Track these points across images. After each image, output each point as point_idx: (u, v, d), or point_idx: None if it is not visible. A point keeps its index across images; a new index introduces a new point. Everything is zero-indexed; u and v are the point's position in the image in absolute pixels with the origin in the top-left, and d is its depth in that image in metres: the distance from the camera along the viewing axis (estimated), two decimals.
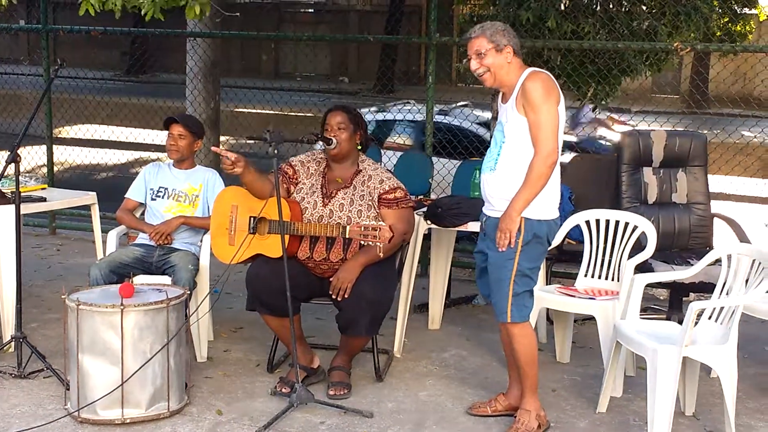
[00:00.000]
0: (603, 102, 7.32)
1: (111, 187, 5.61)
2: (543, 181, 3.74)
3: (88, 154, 10.04)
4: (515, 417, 4.00)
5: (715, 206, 5.44)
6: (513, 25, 6.12)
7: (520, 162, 3.77)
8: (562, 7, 6.46)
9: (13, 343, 4.50)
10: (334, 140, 4.34)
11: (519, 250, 3.79)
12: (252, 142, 4.04)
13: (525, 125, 3.76)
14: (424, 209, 4.98)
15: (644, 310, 5.70)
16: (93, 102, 11.13)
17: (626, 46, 6.10)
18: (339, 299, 4.19)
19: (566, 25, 6.27)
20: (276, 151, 4.08)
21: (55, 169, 7.91)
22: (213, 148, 4.33)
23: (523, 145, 3.77)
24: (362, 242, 4.14)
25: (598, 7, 6.64)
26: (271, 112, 14.26)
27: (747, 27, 16.14)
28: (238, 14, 4.76)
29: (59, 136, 12.25)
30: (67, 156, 9.54)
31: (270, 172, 4.25)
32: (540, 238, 3.82)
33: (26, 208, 4.86)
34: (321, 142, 4.40)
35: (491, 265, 3.89)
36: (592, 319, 4.61)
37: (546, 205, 3.81)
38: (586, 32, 6.26)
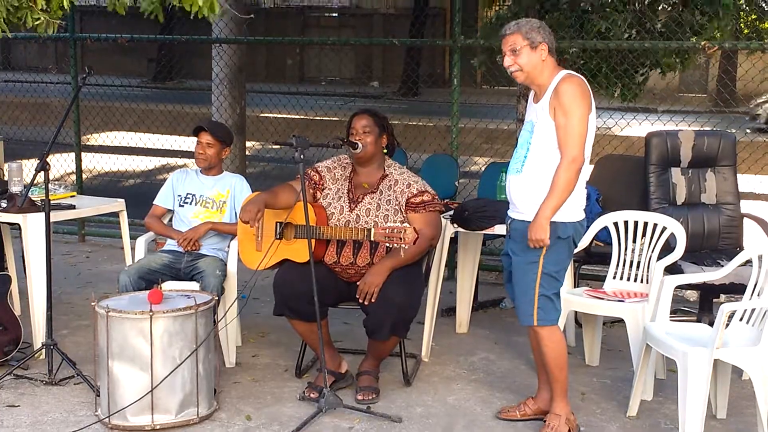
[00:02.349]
0: (630, 101, 7.27)
1: (139, 193, 5.66)
2: (570, 187, 3.71)
3: (116, 161, 10.12)
4: (545, 421, 3.97)
5: (745, 206, 5.38)
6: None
7: (547, 165, 3.75)
8: (589, 8, 6.42)
9: (44, 350, 4.54)
10: (360, 144, 4.34)
11: (543, 252, 3.76)
12: (278, 147, 4.05)
13: (554, 128, 3.74)
14: (451, 212, 4.97)
15: (674, 312, 5.64)
16: (120, 109, 11.24)
17: (653, 45, 6.05)
18: (366, 303, 4.19)
19: (600, 23, 6.22)
20: (302, 156, 4.09)
21: (84, 176, 7.98)
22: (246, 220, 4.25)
23: (551, 148, 3.75)
24: (387, 244, 4.14)
25: (627, 6, 6.60)
26: (297, 116, 14.31)
27: None
28: (252, 15, 4.77)
29: (87, 143, 12.38)
30: (95, 163, 9.63)
31: (295, 178, 4.26)
32: (565, 240, 3.80)
33: (56, 216, 4.90)
34: (347, 146, 4.40)
35: (516, 267, 3.87)
36: (621, 321, 4.58)
37: (571, 207, 3.78)
38: (613, 32, 6.22)
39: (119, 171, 11.62)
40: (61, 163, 9.17)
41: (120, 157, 10.65)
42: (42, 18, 4.17)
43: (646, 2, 6.64)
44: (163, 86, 25.59)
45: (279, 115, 15.91)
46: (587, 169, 3.82)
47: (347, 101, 14.64)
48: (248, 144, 10.13)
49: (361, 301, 4.21)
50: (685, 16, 6.33)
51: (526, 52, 3.77)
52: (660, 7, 6.53)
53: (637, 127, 7.52)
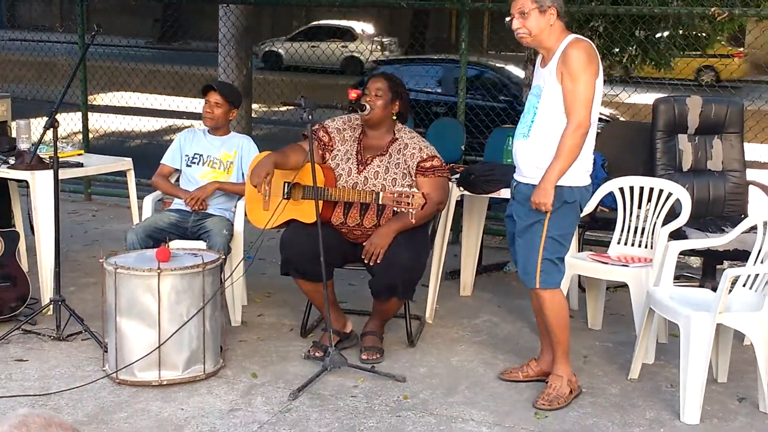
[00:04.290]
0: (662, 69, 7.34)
1: (145, 154, 5.67)
2: (576, 152, 3.72)
3: (122, 122, 10.12)
4: (547, 382, 4.02)
5: (751, 174, 5.39)
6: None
7: (554, 130, 3.75)
8: None
9: (52, 306, 4.58)
10: (368, 106, 4.34)
11: (548, 216, 3.78)
12: (284, 109, 4.06)
13: (561, 93, 3.74)
14: (457, 176, 4.98)
15: (677, 278, 5.62)
16: (126, 69, 11.20)
17: (663, 11, 6.03)
18: (372, 264, 4.22)
19: None
20: (310, 117, 4.09)
21: (90, 136, 7.99)
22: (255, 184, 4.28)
23: (558, 113, 3.75)
24: (395, 209, 4.16)
25: None
26: (304, 78, 14.27)
27: None
28: None
29: (93, 103, 12.37)
30: (102, 123, 9.63)
31: (304, 138, 4.27)
32: (571, 204, 3.81)
33: (64, 174, 4.91)
34: (356, 108, 4.40)
35: (520, 231, 3.90)
36: (624, 286, 4.61)
37: (577, 171, 3.79)
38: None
39: (125, 131, 11.62)
40: (68, 122, 9.15)
41: (126, 117, 10.63)
42: None
43: None
44: (169, 47, 25.50)
45: (286, 77, 15.88)
46: (594, 135, 3.82)
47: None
48: (254, 106, 10.11)
49: (366, 262, 4.24)
50: None
51: (534, 16, 3.75)
52: None
53: (644, 94, 7.49)
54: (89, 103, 8.02)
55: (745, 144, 5.38)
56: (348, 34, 22.93)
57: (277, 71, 16.82)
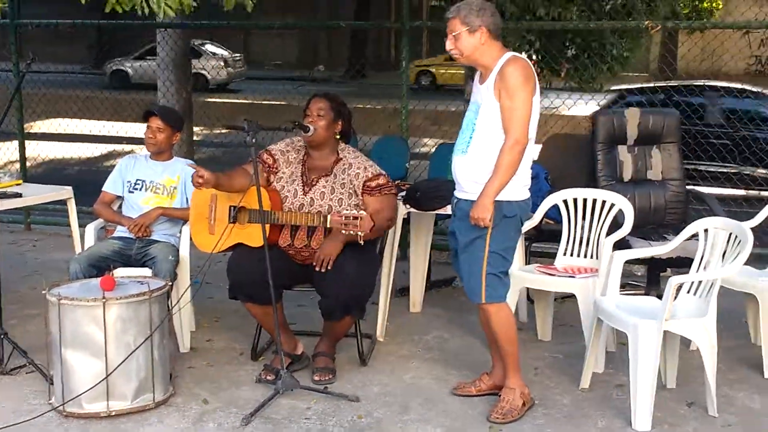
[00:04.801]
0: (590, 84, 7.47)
1: (85, 181, 5.57)
2: (514, 167, 3.76)
3: (61, 149, 9.97)
4: (500, 395, 4.04)
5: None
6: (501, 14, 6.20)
7: (492, 146, 3.79)
8: None
9: None
10: (311, 127, 4.33)
11: (489, 231, 3.81)
12: (226, 132, 4.04)
13: (499, 109, 3.78)
14: (403, 193, 5.00)
15: (623, 286, 5.70)
16: (63, 96, 11.04)
17: (599, 25, 6.15)
18: (323, 271, 4.18)
19: (553, 10, 6.34)
20: (254, 140, 4.07)
21: (28, 164, 7.84)
22: (189, 163, 4.33)
23: (496, 129, 3.79)
24: (343, 231, 4.14)
25: None
26: (244, 101, 14.24)
27: (714, 3, 16.34)
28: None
29: (31, 131, 12.14)
30: (40, 151, 9.45)
31: (248, 161, 4.25)
32: (511, 219, 3.85)
33: (1, 205, 4.82)
34: (298, 130, 4.38)
35: (462, 247, 3.92)
36: (571, 297, 4.66)
37: (516, 186, 3.82)
38: (568, 17, 6.35)
39: (64, 158, 11.45)
40: (4, 151, 8.99)
41: (65, 144, 10.50)
42: None
43: None
44: (104, 72, 25.18)
45: (226, 100, 15.83)
46: (531, 150, 3.87)
47: (296, 85, 14.60)
48: (195, 129, 10.02)
49: (318, 269, 4.19)
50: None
51: (464, 37, 3.81)
52: None
53: (583, 106, 7.62)
54: (27, 131, 7.87)
55: None
56: (192, 52, 23.42)
57: (124, 90, 17.19)
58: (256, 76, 23.49)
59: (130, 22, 7.92)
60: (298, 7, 26.86)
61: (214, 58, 23.44)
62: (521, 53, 5.68)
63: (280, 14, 26.93)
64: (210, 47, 24.11)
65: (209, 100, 13.69)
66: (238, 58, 24.47)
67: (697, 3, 14.57)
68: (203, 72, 22.28)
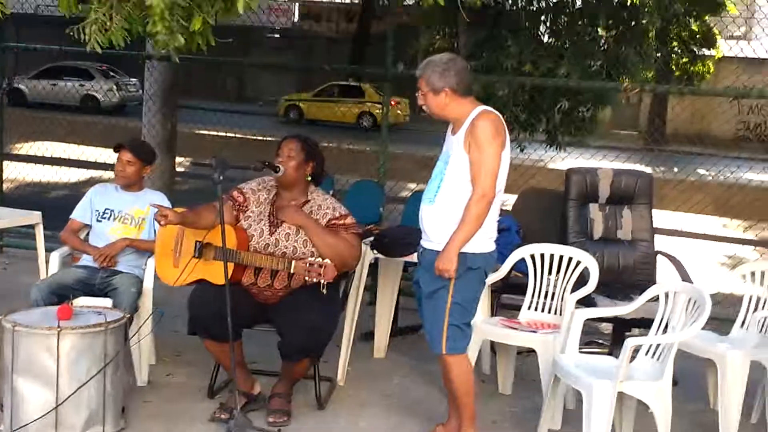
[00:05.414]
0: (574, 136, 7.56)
1: (64, 205, 5.56)
2: (480, 220, 3.77)
3: (45, 172, 9.95)
4: None
5: (665, 243, 5.52)
6: (492, 70, 6.33)
7: (459, 197, 3.81)
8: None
9: None
10: (281, 167, 4.35)
11: (452, 282, 3.81)
12: (205, 165, 4.06)
13: (467, 162, 3.81)
14: (371, 238, 5.00)
15: (588, 343, 5.74)
16: (51, 119, 11.08)
17: (577, 83, 6.21)
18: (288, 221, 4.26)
19: (544, 65, 6.43)
20: (220, 178, 4.08)
21: (9, 185, 7.82)
22: (151, 204, 4.47)
23: (464, 180, 3.81)
24: (306, 278, 4.14)
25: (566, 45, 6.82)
26: (233, 135, 14.27)
27: (705, 67, 16.52)
28: (231, 40, 4.72)
29: (15, 152, 12.14)
30: (23, 173, 9.43)
31: (216, 199, 4.25)
32: (476, 271, 3.85)
33: None
34: (268, 169, 4.40)
35: (425, 296, 3.92)
36: (535, 351, 4.64)
37: (481, 238, 3.84)
38: (558, 71, 6.43)
39: (47, 182, 11.43)
40: None
41: (49, 168, 10.48)
42: None
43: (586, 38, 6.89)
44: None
45: (216, 133, 15.87)
46: (498, 202, 3.89)
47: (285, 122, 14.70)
48: (178, 159, 10.02)
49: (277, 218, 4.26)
50: (619, 55, 6.55)
51: (430, 97, 3.88)
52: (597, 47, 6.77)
53: (570, 160, 7.69)
54: (10, 151, 7.88)
55: (664, 212, 5.51)
56: (86, 74, 24.63)
57: (20, 107, 17.80)
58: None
59: (120, 51, 7.99)
60: (297, 45, 27.10)
61: (106, 81, 24.60)
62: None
63: (278, 51, 27.21)
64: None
65: (201, 132, 13.72)
66: (129, 83, 25.31)
67: (688, 66, 14.71)
68: (93, 93, 23.81)
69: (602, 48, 6.93)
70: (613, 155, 8.96)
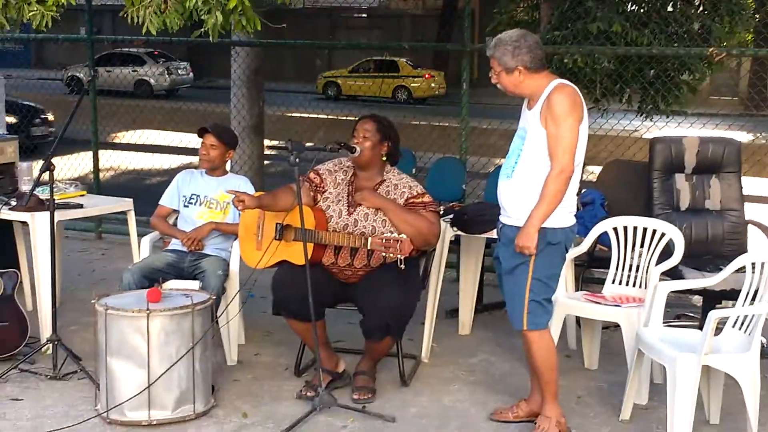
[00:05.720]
0: (666, 107, 7.41)
1: (159, 192, 5.77)
2: (559, 197, 3.74)
3: (143, 159, 10.26)
4: (535, 423, 4.01)
5: (754, 210, 5.35)
6: (582, 37, 6.24)
7: (537, 172, 3.78)
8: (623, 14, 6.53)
9: (49, 346, 4.65)
10: (357, 148, 4.39)
11: (533, 258, 3.79)
12: (281, 149, 4.11)
13: (545, 136, 3.77)
14: (451, 216, 5.01)
15: (678, 317, 5.65)
16: (149, 107, 11.41)
17: (661, 51, 6.06)
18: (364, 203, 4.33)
19: (631, 32, 6.32)
20: (297, 160, 4.14)
21: (110, 174, 8.08)
22: (227, 190, 4.55)
23: (542, 155, 3.78)
24: (383, 254, 4.18)
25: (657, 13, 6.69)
26: (323, 116, 14.41)
27: None
28: (284, 26, 4.77)
29: (115, 141, 12.55)
30: (123, 160, 9.72)
31: (293, 182, 4.33)
32: (556, 246, 3.82)
33: (63, 215, 5.02)
34: (344, 150, 4.44)
35: (505, 272, 3.91)
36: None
37: (561, 213, 3.80)
38: (642, 40, 6.30)
39: (144, 169, 11.78)
40: (87, 161, 9.31)
41: (147, 154, 10.80)
42: (37, 10, 4.24)
43: (678, 7, 6.73)
44: (194, 85, 26.01)
45: (305, 114, 16.05)
46: (578, 178, 3.84)
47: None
48: (267, 143, 10.17)
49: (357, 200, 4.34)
50: (707, 24, 6.37)
51: (503, 76, 3.85)
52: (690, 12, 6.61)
53: (667, 129, 7.50)
54: (111, 140, 8.16)
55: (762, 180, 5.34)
56: (138, 59, 25.24)
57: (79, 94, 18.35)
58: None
59: (200, 39, 8.18)
60: (383, 24, 27.07)
61: (157, 66, 25.10)
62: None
63: (365, 31, 27.25)
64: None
65: (289, 114, 13.91)
66: (180, 67, 25.91)
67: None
68: (146, 78, 24.35)
69: (696, 12, 6.76)
70: (712, 123, 8.70)
